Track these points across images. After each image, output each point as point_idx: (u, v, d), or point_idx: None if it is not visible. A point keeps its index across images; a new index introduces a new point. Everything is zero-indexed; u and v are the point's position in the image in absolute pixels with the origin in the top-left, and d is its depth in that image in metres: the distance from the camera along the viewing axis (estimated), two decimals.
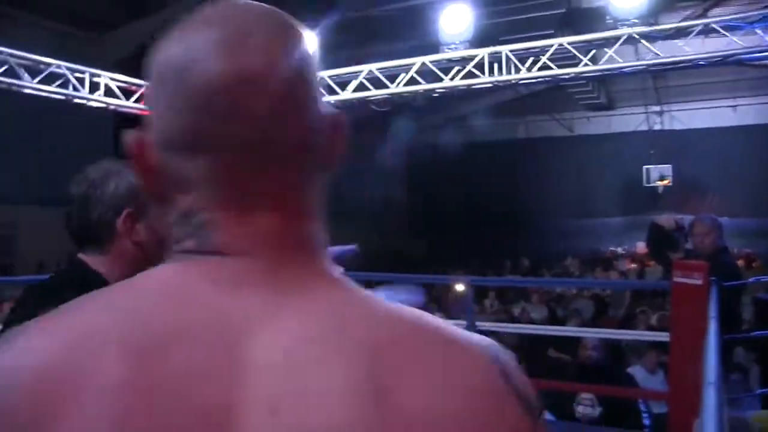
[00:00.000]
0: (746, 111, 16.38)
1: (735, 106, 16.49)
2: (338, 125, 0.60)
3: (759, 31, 5.90)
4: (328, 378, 0.48)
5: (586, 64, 5.99)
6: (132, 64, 8.14)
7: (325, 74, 6.79)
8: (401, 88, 6.48)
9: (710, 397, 1.80)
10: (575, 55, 6.15)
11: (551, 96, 15.45)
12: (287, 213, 0.56)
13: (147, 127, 0.57)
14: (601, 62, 5.76)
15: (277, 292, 0.53)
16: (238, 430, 0.47)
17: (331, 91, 6.77)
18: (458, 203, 18.41)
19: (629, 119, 17.57)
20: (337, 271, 0.59)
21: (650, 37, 5.51)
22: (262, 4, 0.58)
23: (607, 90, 16.36)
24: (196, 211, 0.55)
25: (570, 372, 7.36)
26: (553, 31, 11.28)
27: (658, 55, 5.58)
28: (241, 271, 0.54)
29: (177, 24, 0.58)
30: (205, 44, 0.53)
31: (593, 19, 10.18)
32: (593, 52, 5.85)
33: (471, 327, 5.44)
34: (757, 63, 12.67)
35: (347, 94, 6.70)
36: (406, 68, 6.48)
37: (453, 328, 0.55)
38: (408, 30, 7.40)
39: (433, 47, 6.78)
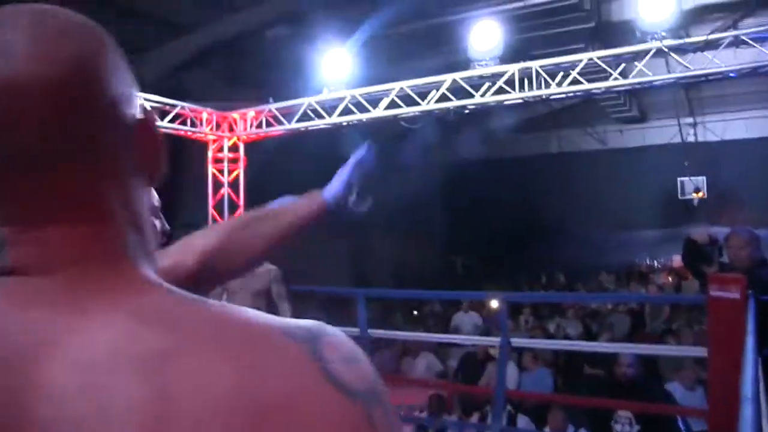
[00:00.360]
0: None
1: None
2: (146, 127, 0.59)
3: None
4: (108, 401, 0.45)
5: (615, 78, 5.98)
6: (165, 86, 8.34)
7: (356, 92, 6.88)
8: (432, 105, 6.53)
9: (747, 413, 1.79)
10: (605, 69, 6.15)
11: (583, 110, 15.37)
12: (85, 223, 0.53)
13: None
14: (631, 75, 5.75)
15: (71, 311, 0.50)
16: None
17: (363, 109, 6.84)
18: (492, 219, 18.35)
19: (662, 131, 17.36)
20: (155, 276, 0.56)
21: (680, 50, 5.50)
22: (43, 6, 0.55)
23: (639, 103, 16.21)
24: None
25: (607, 389, 7.27)
26: (583, 45, 11.26)
27: (688, 68, 5.56)
28: (33, 290, 0.51)
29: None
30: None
31: (624, 32, 10.15)
32: (623, 65, 5.85)
33: (506, 343, 5.44)
34: None
35: (379, 111, 6.77)
36: (437, 85, 6.53)
37: (268, 320, 0.52)
38: (438, 47, 7.46)
39: (463, 64, 6.82)
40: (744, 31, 5.49)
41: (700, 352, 5.66)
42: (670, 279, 15.24)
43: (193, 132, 7.26)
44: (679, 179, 16.34)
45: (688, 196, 16.31)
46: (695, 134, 16.98)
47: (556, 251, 17.69)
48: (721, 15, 9.63)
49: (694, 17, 8.08)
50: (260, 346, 0.49)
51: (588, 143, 18.72)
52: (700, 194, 16.07)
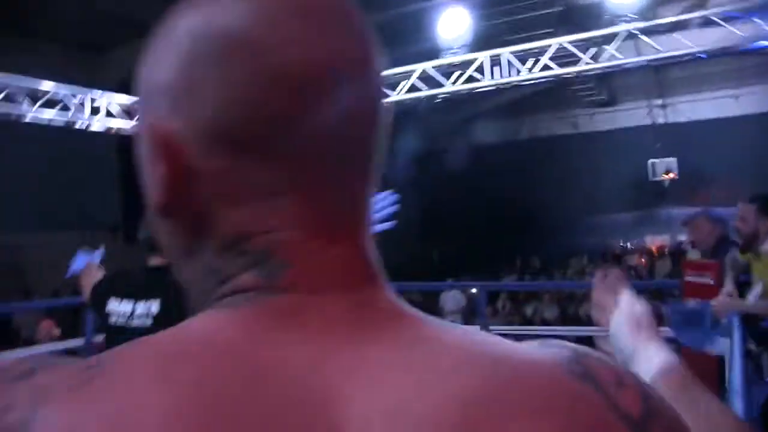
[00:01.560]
0: (749, 100, 16.25)
1: (738, 96, 16.35)
2: (388, 124, 0.48)
3: (758, 20, 5.85)
4: None
5: (587, 63, 5.95)
6: (131, 85, 8.14)
7: None
8: (403, 95, 6.45)
9: (738, 408, 1.76)
10: (575, 53, 6.11)
11: (554, 95, 15.41)
12: (360, 237, 0.45)
13: (169, 116, 0.43)
14: (601, 59, 5.72)
15: (366, 344, 0.41)
16: None
17: None
18: (466, 207, 18.37)
19: (633, 114, 17.50)
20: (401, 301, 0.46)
21: (649, 32, 5.48)
22: None
23: (609, 86, 16.31)
24: (256, 232, 0.42)
25: None
26: (552, 30, 11.27)
27: (658, 49, 5.54)
28: (325, 319, 0.41)
29: None
30: (283, 14, 0.42)
31: (591, 15, 10.15)
32: (593, 49, 5.82)
33: (485, 330, 5.42)
34: (758, 51, 12.56)
35: None
36: (407, 75, 6.45)
37: (541, 353, 0.44)
38: (406, 36, 7.37)
39: (432, 52, 6.75)
40: (713, 11, 5.49)
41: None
42: (643, 260, 15.41)
43: None
44: (649, 161, 16.46)
45: (658, 178, 16.43)
46: (665, 115, 17.13)
47: (529, 236, 17.76)
48: None
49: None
50: (566, 397, 0.40)
51: (559, 128, 18.80)
52: (671, 175, 16.20)
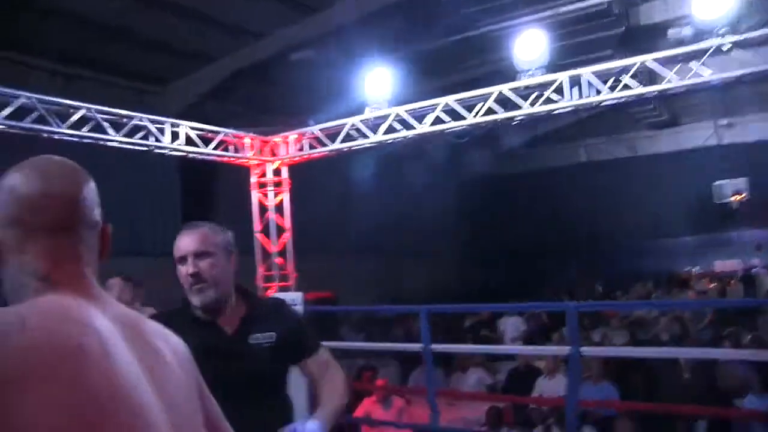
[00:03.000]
0: None
1: None
2: (105, 231, 1.19)
3: None
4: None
5: (669, 81, 5.83)
6: (192, 114, 8.33)
7: (400, 110, 6.78)
8: (479, 118, 6.41)
9: None
10: (650, 71, 6.00)
11: (611, 117, 15.18)
12: (84, 265, 1.12)
13: None
14: (688, 76, 5.59)
15: (100, 306, 1.08)
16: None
17: (408, 126, 6.73)
18: (524, 233, 18.14)
19: (696, 134, 17.07)
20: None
21: (742, 46, 5.35)
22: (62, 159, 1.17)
23: (669, 106, 15.97)
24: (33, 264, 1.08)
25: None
26: (611, 52, 11.12)
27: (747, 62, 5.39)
28: (82, 296, 1.07)
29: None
30: (43, 176, 1.11)
31: (653, 36, 9.99)
32: (678, 65, 5.70)
33: (576, 353, 5.29)
34: None
35: (425, 127, 6.66)
36: (484, 98, 6.41)
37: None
38: (478, 58, 7.35)
39: (506, 74, 6.71)
40: None
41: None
42: (712, 285, 14.92)
43: (237, 158, 7.20)
44: (715, 183, 15.99)
45: (724, 200, 15.94)
46: (732, 135, 16.63)
47: (591, 262, 17.44)
48: None
49: (747, 12, 7.88)
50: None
51: (617, 150, 18.49)
52: (742, 196, 15.61)
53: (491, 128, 6.92)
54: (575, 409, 5.46)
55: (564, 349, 5.83)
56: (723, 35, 5.18)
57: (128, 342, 1.02)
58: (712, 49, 5.32)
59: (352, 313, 12.31)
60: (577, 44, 10.61)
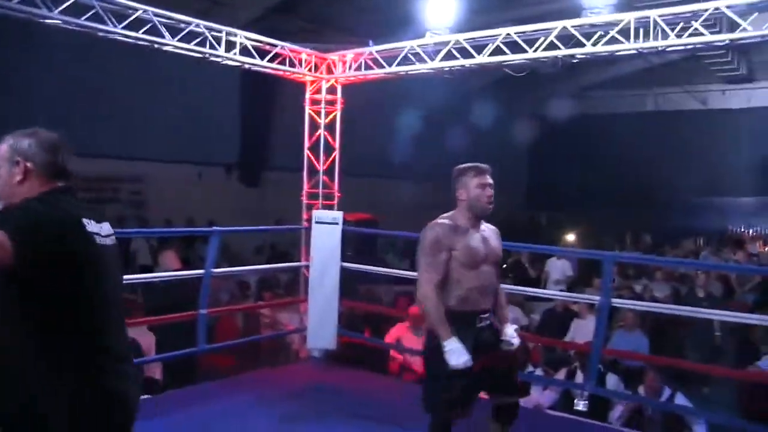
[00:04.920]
0: None
1: None
2: None
3: None
4: None
5: (743, 30, 5.57)
6: (259, 27, 8.34)
7: (460, 37, 6.67)
8: (540, 53, 6.27)
9: None
10: (730, 20, 5.74)
11: (684, 67, 14.64)
12: None
13: None
14: (765, 26, 5.34)
15: None
16: None
17: (467, 54, 6.64)
18: (582, 176, 17.87)
19: None
20: None
21: None
22: None
23: (748, 60, 15.25)
24: None
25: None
26: None
27: None
28: None
29: None
30: None
31: None
32: (756, 14, 5.43)
33: (607, 303, 5.31)
34: None
35: (483, 58, 6.56)
36: (546, 32, 6.25)
37: None
38: None
39: (572, 12, 6.50)
40: None
41: None
42: (766, 248, 14.58)
43: (292, 72, 7.22)
44: None
45: None
46: None
47: (644, 212, 17.14)
48: None
49: None
50: None
51: (687, 103, 17.87)
52: None
53: (559, 68, 6.71)
54: (599, 358, 5.51)
55: (595, 298, 5.84)
56: None
57: None
58: None
59: (398, 239, 12.44)
60: None
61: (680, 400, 5.66)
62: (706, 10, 5.59)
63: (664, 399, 5.70)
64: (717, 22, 5.88)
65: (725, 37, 5.66)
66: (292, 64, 7.15)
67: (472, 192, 3.64)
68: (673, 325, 7.92)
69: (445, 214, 3.69)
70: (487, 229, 3.77)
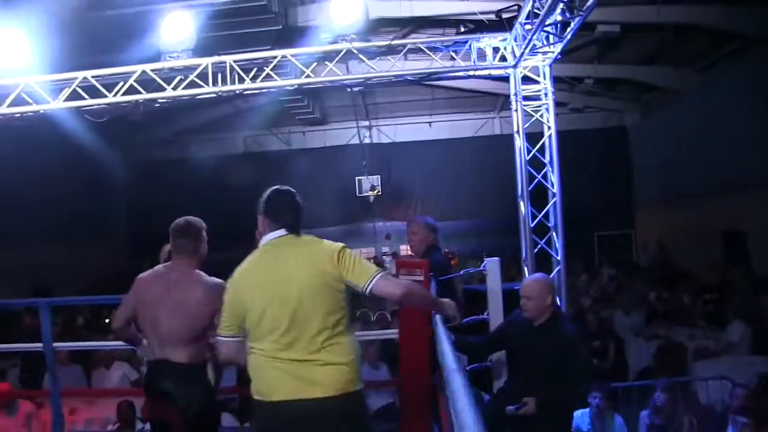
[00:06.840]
0: (440, 127, 18.27)
1: (431, 122, 18.27)
2: None
3: (452, 54, 6.69)
4: None
5: (308, 76, 6.22)
6: None
7: (30, 80, 6.20)
8: (120, 98, 6.15)
9: (457, 382, 1.98)
10: (298, 68, 6.36)
11: (270, 111, 15.70)
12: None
13: None
14: (323, 74, 6.04)
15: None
16: None
17: (43, 100, 6.19)
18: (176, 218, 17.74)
19: (342, 133, 18.54)
20: None
21: (365, 53, 5.92)
22: None
23: (321, 106, 17.07)
24: None
25: None
26: (270, 47, 11.44)
27: (374, 68, 6.01)
28: None
29: None
30: None
31: (308, 37, 10.58)
32: (315, 64, 6.11)
33: None
34: (447, 86, 14.30)
35: (58, 103, 6.19)
36: (126, 77, 6.16)
37: None
38: (126, 38, 6.96)
39: (154, 57, 6.52)
40: (420, 40, 6.12)
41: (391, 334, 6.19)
42: None
43: None
44: (357, 178, 17.55)
45: (365, 194, 17.58)
46: (371, 136, 18.43)
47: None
48: (392, 29, 10.60)
49: (374, 27, 8.71)
50: None
51: (274, 144, 19.20)
52: (376, 192, 17.46)
53: (141, 114, 6.61)
54: None
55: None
56: (351, 41, 5.69)
57: None
58: (343, 52, 5.82)
59: None
60: (236, 36, 10.71)
61: None
62: (275, 57, 6.11)
63: None
64: (292, 69, 6.47)
65: (293, 82, 6.24)
66: None
67: None
68: None
69: None
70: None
